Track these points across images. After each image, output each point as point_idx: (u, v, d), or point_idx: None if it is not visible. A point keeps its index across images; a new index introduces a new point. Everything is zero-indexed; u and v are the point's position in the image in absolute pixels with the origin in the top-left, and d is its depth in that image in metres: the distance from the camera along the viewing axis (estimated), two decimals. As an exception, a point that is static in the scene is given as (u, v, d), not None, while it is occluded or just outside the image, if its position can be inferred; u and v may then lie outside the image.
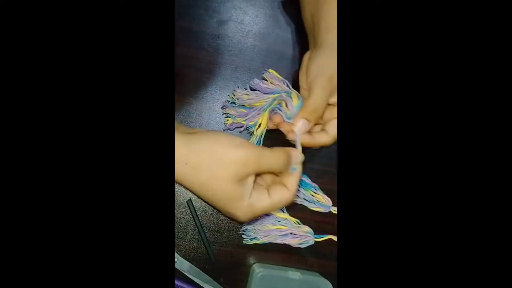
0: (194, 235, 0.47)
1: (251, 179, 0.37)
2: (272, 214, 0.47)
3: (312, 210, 0.49)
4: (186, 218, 0.47)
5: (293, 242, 0.48)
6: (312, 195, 0.49)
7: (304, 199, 0.49)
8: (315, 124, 0.43)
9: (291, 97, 0.42)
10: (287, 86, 0.44)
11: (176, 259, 0.45)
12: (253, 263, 0.48)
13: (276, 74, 0.46)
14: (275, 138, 0.46)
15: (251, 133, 0.47)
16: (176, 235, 0.46)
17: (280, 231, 0.47)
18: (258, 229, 0.47)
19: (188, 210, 0.47)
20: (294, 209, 0.49)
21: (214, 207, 0.40)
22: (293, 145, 0.42)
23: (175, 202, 0.47)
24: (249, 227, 0.47)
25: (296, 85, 0.45)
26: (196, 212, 0.46)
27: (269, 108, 0.44)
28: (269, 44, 0.51)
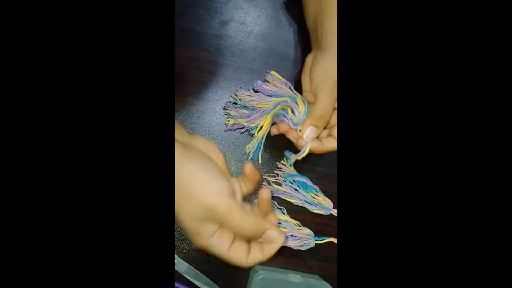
0: (194, 237, 0.47)
1: (212, 226, 0.35)
2: None
3: (313, 212, 0.49)
4: (186, 219, 0.47)
5: (293, 244, 0.47)
6: (313, 197, 0.49)
7: (305, 201, 0.49)
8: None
9: (296, 103, 0.42)
10: (290, 88, 0.44)
11: (175, 261, 0.45)
12: (253, 265, 0.47)
13: (278, 76, 0.46)
14: (276, 140, 0.46)
15: (252, 135, 0.47)
16: (175, 237, 0.46)
17: (281, 233, 0.47)
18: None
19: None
20: (294, 211, 0.49)
21: None
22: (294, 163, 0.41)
23: (175, 203, 0.46)
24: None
25: (298, 87, 0.45)
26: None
27: (272, 112, 0.43)
28: (271, 45, 0.51)
